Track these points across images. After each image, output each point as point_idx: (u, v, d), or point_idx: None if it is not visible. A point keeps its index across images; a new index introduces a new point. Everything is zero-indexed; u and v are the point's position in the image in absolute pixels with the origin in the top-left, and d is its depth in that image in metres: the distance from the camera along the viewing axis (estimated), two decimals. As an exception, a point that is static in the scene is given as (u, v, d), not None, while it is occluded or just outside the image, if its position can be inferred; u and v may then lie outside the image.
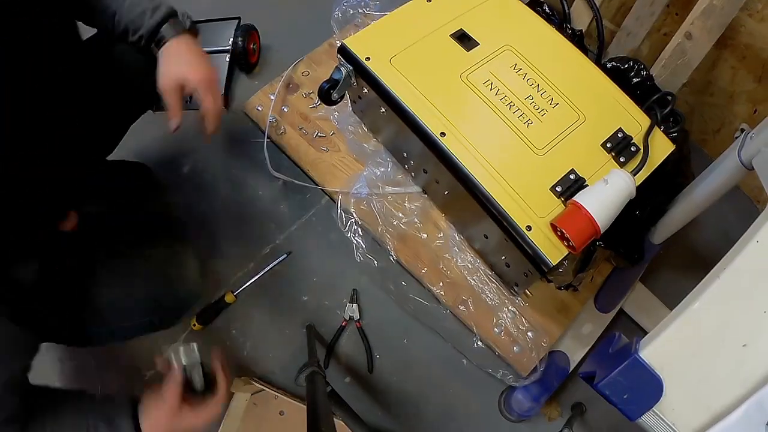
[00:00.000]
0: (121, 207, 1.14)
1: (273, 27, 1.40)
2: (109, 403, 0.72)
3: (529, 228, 0.77)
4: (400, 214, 1.05)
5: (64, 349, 1.13)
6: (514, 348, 0.97)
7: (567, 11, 1.11)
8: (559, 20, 1.11)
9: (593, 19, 1.10)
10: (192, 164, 1.26)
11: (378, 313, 1.13)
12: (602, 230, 0.73)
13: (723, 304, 0.54)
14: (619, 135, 0.85)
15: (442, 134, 0.83)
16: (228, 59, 1.28)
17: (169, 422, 0.71)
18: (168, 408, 0.71)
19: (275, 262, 1.14)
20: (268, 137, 1.12)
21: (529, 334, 0.98)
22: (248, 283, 1.11)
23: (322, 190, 1.10)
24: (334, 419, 0.76)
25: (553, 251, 0.76)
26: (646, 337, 0.57)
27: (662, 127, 0.90)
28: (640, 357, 0.55)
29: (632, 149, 0.84)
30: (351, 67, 0.92)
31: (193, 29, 0.81)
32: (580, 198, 0.75)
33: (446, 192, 0.95)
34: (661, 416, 0.54)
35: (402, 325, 1.12)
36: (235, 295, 1.10)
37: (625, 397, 0.54)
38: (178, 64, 0.78)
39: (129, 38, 0.79)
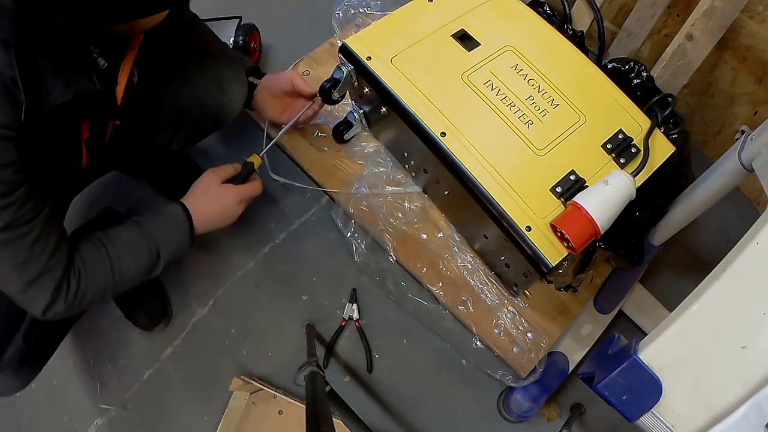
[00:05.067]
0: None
1: (274, 26, 1.40)
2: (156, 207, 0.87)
3: (528, 228, 0.77)
4: (400, 214, 1.05)
5: (64, 347, 1.13)
6: (514, 348, 0.97)
7: (568, 12, 1.11)
8: (560, 21, 1.11)
9: (594, 19, 1.09)
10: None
11: (377, 313, 1.13)
12: (602, 231, 0.73)
13: (722, 306, 0.54)
14: (620, 136, 0.84)
15: (443, 134, 0.83)
16: (229, 58, 1.28)
17: (210, 192, 0.89)
18: (204, 183, 0.89)
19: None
20: (267, 136, 1.12)
21: (529, 334, 0.98)
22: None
23: (323, 190, 1.10)
24: (333, 419, 0.76)
25: (552, 252, 0.76)
26: (645, 338, 0.57)
27: (662, 129, 0.90)
28: (640, 358, 0.55)
29: (632, 150, 0.84)
30: (352, 67, 0.92)
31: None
32: (580, 199, 0.74)
33: (446, 192, 0.95)
34: (660, 417, 0.54)
35: (401, 325, 1.12)
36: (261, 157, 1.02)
37: (624, 398, 0.54)
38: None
39: None
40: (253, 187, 0.94)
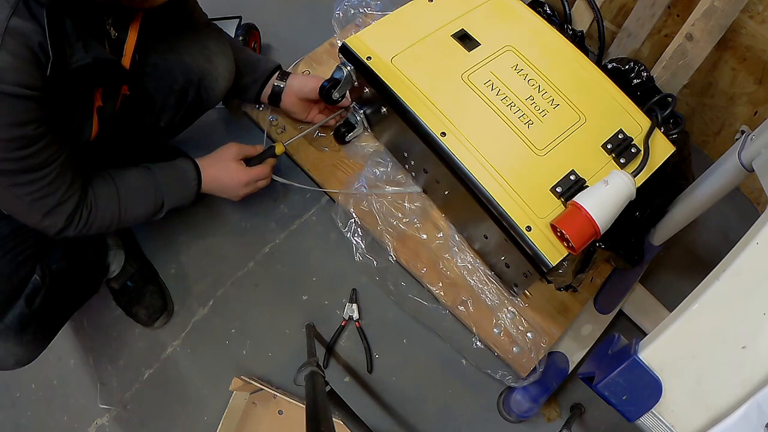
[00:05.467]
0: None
1: (274, 26, 1.40)
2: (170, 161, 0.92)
3: (529, 228, 0.77)
4: (400, 214, 1.05)
5: (64, 347, 1.13)
6: (514, 348, 0.97)
7: (568, 12, 1.11)
8: (560, 21, 1.11)
9: (594, 19, 1.10)
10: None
11: (377, 313, 1.13)
12: (602, 231, 0.73)
13: (722, 306, 0.54)
14: (620, 136, 0.85)
15: (443, 134, 0.83)
16: (229, 58, 1.28)
17: (224, 162, 0.94)
18: (223, 153, 0.95)
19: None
20: (268, 136, 1.12)
21: (529, 334, 0.98)
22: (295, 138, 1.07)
23: (323, 190, 1.10)
24: (333, 419, 0.76)
25: (552, 252, 0.76)
26: (645, 338, 0.57)
27: (662, 129, 0.90)
28: (640, 358, 0.55)
29: (633, 150, 0.84)
30: (352, 67, 0.92)
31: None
32: (580, 199, 0.75)
33: (446, 192, 0.95)
34: (660, 417, 0.54)
35: (401, 325, 1.12)
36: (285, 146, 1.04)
37: (624, 398, 0.54)
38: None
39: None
40: (261, 169, 0.97)
